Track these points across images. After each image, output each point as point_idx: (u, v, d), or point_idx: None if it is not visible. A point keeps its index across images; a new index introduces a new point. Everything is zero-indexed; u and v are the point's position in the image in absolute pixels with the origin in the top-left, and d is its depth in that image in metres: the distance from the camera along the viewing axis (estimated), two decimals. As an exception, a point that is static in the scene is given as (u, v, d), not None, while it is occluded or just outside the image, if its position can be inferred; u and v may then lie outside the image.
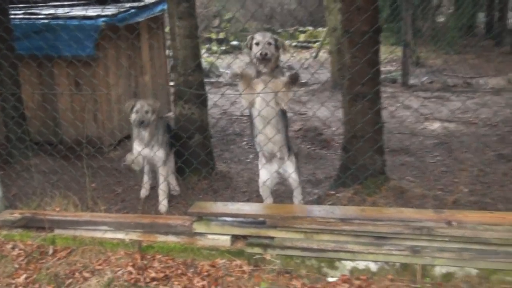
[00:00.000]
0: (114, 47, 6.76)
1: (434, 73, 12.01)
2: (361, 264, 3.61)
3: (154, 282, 3.69)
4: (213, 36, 19.75)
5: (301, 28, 19.82)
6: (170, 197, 5.15)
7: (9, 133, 5.90)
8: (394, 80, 11.25)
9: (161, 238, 4.12)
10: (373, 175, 4.88)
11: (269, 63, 4.21)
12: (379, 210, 3.91)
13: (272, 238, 3.82)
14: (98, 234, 4.25)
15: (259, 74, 4.27)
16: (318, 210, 3.89)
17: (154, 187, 5.26)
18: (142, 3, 7.15)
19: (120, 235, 4.21)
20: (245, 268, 3.74)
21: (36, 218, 4.38)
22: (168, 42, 8.90)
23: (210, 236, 3.99)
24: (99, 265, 3.96)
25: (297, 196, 4.62)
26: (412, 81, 11.00)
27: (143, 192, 5.31)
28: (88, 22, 6.13)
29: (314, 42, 17.50)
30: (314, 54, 15.01)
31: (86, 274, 3.86)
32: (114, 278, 3.77)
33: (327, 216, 3.75)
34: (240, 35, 18.62)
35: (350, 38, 4.68)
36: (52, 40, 5.88)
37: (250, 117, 4.48)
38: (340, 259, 3.64)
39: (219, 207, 4.10)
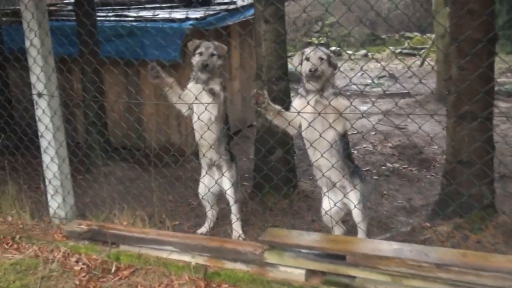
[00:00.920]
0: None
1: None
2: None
3: (218, 316, 3.32)
4: (314, 41, 19.28)
5: (407, 34, 18.79)
6: (244, 216, 4.75)
7: (89, 138, 5.77)
8: (509, 94, 10.15)
9: (229, 264, 3.74)
10: (479, 207, 4.17)
11: (319, 81, 3.76)
12: (485, 256, 3.23)
13: (353, 277, 3.32)
14: (163, 254, 3.94)
15: (308, 93, 3.81)
16: (409, 251, 3.29)
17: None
18: (232, 6, 6.82)
19: (186, 258, 3.87)
20: (320, 309, 3.25)
21: (102, 231, 4.15)
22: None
23: (282, 268, 3.56)
24: (161, 290, 3.65)
25: (361, 233, 4.08)
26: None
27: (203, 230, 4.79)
28: (173, 25, 5.89)
29: (421, 49, 16.47)
30: (419, 62, 14.03)
31: (146, 300, 3.56)
32: (174, 308, 3.43)
33: (420, 259, 3.15)
34: (342, 41, 17.99)
35: (458, 47, 4.01)
36: (136, 43, 5.69)
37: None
38: (432, 311, 3.05)
39: (294, 236, 3.63)
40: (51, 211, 4.58)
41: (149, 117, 6.50)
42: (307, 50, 3.85)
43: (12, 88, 6.58)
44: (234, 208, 4.51)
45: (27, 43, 4.27)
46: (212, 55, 4.24)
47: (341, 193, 4.01)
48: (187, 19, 6.07)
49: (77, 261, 4.06)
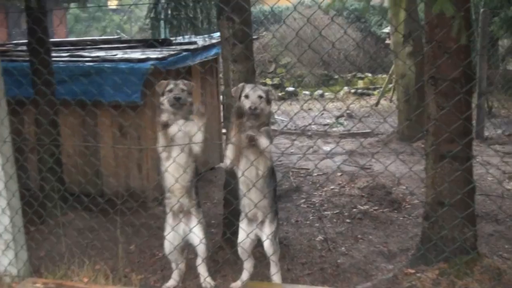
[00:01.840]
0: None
1: (510, 125, 10.96)
2: None
3: None
4: (268, 82, 19.32)
5: (359, 75, 19.12)
6: (218, 266, 4.42)
7: (46, 185, 5.34)
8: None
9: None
10: (463, 250, 4.01)
11: (258, 119, 3.77)
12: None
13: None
14: (130, 315, 3.56)
15: (246, 129, 3.76)
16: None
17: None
18: (193, 46, 6.62)
19: (155, 318, 3.51)
20: None
21: (60, 291, 3.74)
22: (222, 88, 8.41)
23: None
24: None
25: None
26: (486, 133, 9.99)
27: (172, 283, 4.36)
28: (134, 65, 5.62)
29: (374, 89, 16.72)
30: (375, 102, 14.17)
31: None
32: None
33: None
34: (296, 81, 18.09)
35: (435, 85, 3.92)
36: (94, 85, 5.39)
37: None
38: None
39: (276, 290, 3.34)
40: (2, 268, 4.13)
41: (108, 161, 6.13)
42: (246, 88, 3.82)
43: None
44: (202, 255, 4.21)
45: (-23, 85, 3.92)
46: (183, 90, 4.09)
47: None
48: (148, 59, 5.81)
49: (31, 326, 3.64)
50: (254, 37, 6.19)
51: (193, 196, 4.20)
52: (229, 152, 3.86)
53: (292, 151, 8.92)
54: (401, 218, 5.79)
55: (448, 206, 3.90)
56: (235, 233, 4.21)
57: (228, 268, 4.46)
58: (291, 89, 17.34)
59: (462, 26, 3.47)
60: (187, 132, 4.00)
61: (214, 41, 7.03)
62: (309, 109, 12.55)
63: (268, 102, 3.85)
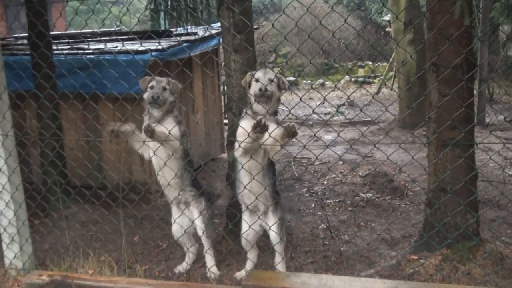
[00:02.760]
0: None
1: (511, 111, 10.95)
2: None
3: None
4: (270, 71, 19.28)
5: (360, 63, 19.05)
6: (222, 256, 4.45)
7: (49, 179, 5.34)
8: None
9: (210, 313, 3.43)
10: (465, 236, 4.03)
11: (269, 102, 3.73)
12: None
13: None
14: (136, 305, 3.58)
15: (256, 115, 3.71)
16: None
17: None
18: (193, 37, 6.58)
19: (161, 308, 3.53)
20: None
21: (66, 282, 3.74)
22: (223, 78, 8.39)
23: (269, 314, 3.25)
24: None
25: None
26: (488, 119, 9.98)
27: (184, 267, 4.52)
28: (135, 57, 5.60)
29: (375, 77, 16.68)
30: (376, 90, 14.14)
31: None
32: None
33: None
34: (296, 71, 18.05)
35: (437, 72, 3.90)
36: (93, 77, 5.37)
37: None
38: None
39: (280, 279, 3.35)
40: (7, 261, 4.15)
41: (111, 154, 6.13)
42: (258, 73, 3.81)
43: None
44: (206, 245, 4.29)
45: (-21, 79, 3.92)
46: (164, 89, 4.08)
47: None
48: (149, 50, 5.78)
49: (38, 318, 3.66)
50: (254, 27, 6.14)
51: (188, 188, 4.23)
52: (242, 143, 3.68)
53: (293, 140, 8.90)
54: (403, 205, 5.81)
55: (451, 192, 3.92)
56: (238, 224, 4.24)
57: (232, 257, 4.48)
58: (291, 78, 17.29)
59: (465, 7, 3.46)
60: (161, 131, 3.92)
61: (214, 31, 7.00)
62: (310, 98, 12.51)
63: (279, 88, 3.82)
